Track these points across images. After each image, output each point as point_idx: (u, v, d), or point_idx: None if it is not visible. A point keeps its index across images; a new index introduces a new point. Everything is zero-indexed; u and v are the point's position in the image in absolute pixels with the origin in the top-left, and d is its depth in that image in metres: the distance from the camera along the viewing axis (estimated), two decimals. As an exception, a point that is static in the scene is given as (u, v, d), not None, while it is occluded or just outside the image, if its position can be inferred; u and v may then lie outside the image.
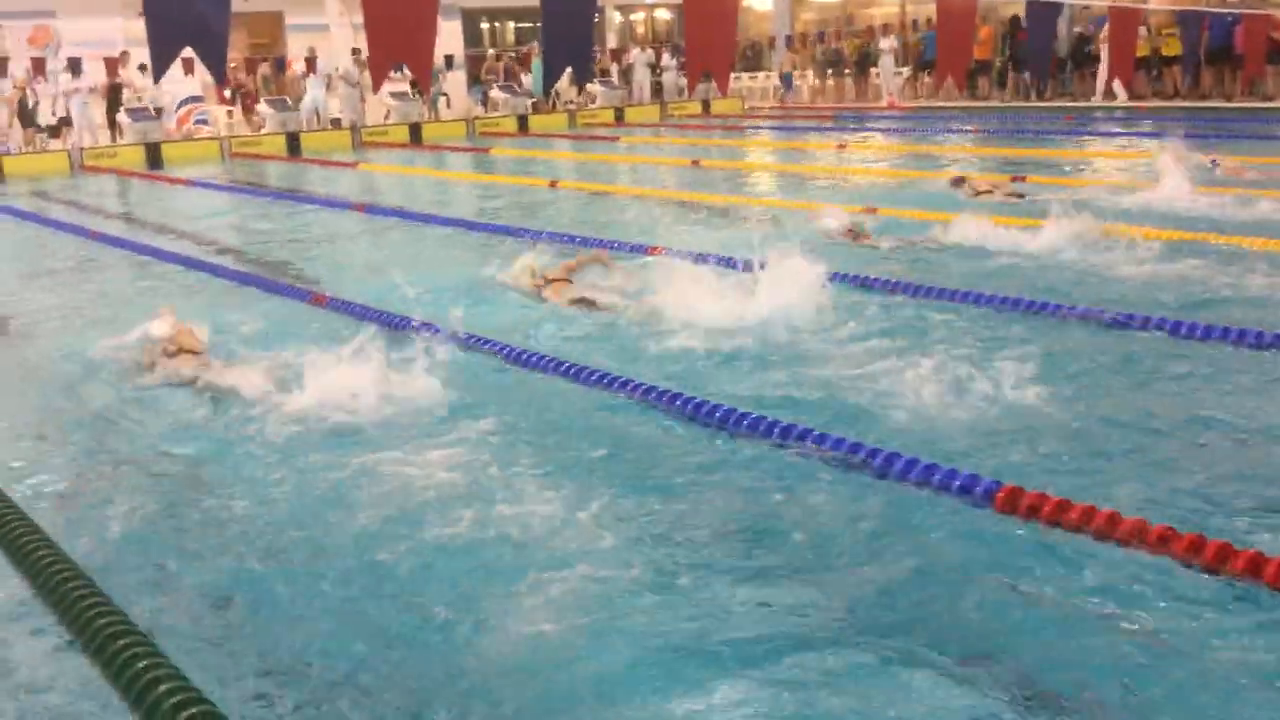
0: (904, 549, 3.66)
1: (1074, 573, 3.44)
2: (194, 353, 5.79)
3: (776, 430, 4.55)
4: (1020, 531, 3.73)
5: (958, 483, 4.00)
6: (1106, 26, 20.72)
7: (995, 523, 3.79)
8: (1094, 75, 22.62)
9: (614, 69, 28.64)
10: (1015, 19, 23.44)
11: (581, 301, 6.80)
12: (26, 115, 21.16)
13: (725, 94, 24.79)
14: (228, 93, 23.67)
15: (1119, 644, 3.07)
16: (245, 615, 3.47)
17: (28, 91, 21.32)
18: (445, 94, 25.23)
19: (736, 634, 3.17)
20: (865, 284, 7.08)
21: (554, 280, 7.14)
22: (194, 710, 2.72)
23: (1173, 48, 21.49)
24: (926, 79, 26.49)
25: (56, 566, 3.53)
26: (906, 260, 7.99)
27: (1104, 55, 21.40)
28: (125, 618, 3.18)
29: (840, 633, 3.19)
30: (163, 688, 2.81)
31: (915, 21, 28.26)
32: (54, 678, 3.15)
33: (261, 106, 22.92)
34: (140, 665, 2.93)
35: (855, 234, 8.75)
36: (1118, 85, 21.10)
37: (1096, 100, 22.19)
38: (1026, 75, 23.49)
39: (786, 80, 28.45)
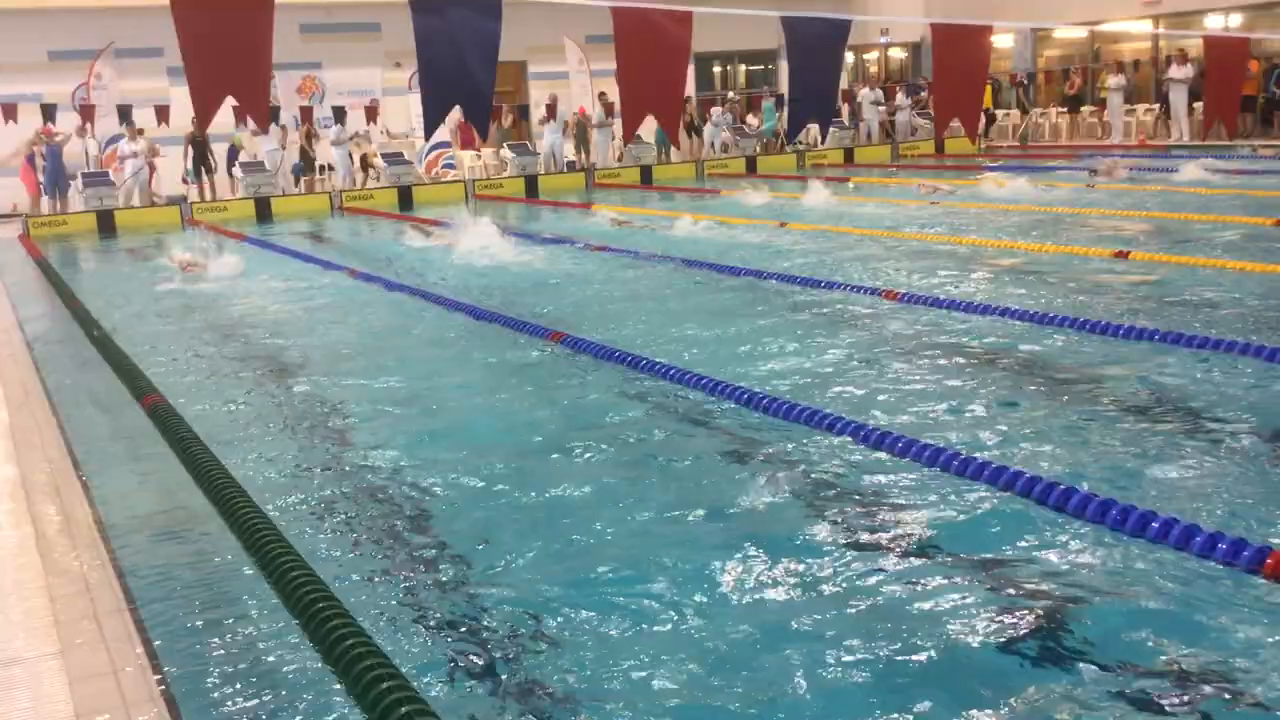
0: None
1: None
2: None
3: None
4: None
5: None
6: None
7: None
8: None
9: (844, 109, 28.38)
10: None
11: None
12: (305, 158, 22.99)
13: (975, 139, 24.11)
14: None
15: None
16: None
17: (297, 137, 23.18)
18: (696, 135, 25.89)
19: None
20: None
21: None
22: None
23: None
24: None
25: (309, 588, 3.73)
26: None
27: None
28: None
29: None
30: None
31: (1169, 58, 26.70)
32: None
33: (504, 151, 24.00)
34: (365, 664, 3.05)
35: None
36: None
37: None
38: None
39: None
